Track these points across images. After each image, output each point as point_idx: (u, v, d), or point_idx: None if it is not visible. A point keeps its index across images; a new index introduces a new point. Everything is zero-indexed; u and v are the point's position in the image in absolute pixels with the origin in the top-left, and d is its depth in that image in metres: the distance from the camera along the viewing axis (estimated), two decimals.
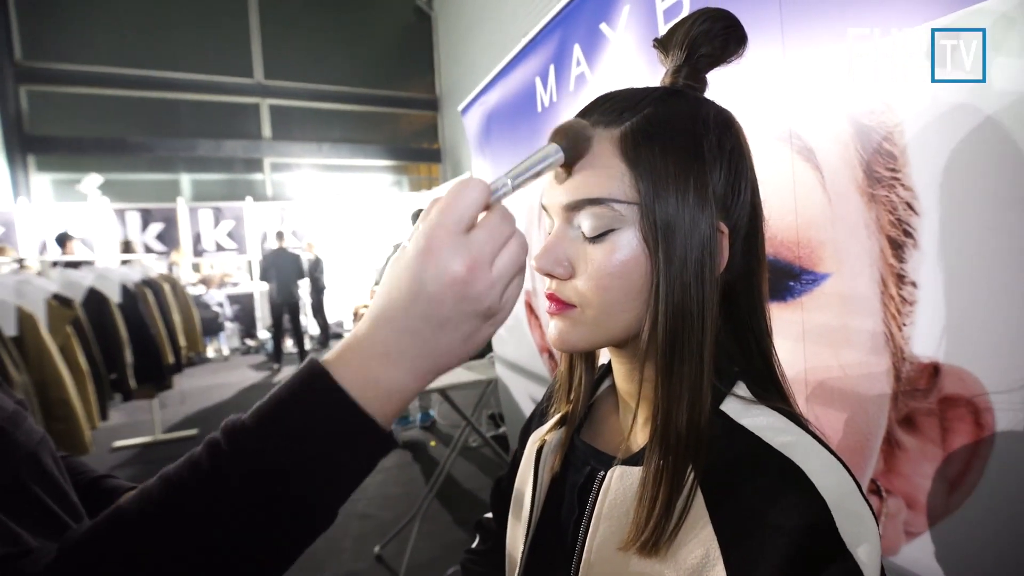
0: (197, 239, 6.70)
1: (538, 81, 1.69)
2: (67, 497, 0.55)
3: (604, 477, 0.43)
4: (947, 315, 0.65)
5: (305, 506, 0.30)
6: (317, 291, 6.57)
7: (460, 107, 2.46)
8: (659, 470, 0.38)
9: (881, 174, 0.70)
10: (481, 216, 0.32)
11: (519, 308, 2.00)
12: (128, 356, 2.85)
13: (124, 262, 3.64)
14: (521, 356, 2.09)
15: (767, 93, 0.85)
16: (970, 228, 0.61)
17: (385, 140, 8.06)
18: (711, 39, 0.42)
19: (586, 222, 0.39)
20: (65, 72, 6.30)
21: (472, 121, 2.37)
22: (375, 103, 7.88)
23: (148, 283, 3.33)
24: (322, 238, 7.05)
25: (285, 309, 5.71)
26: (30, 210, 5.84)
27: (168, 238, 6.52)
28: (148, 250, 6.18)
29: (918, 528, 0.70)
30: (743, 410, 0.40)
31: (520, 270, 0.34)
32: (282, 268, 5.60)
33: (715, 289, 0.39)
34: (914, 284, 0.68)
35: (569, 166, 0.40)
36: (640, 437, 0.44)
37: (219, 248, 6.82)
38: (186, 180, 7.27)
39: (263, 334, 6.82)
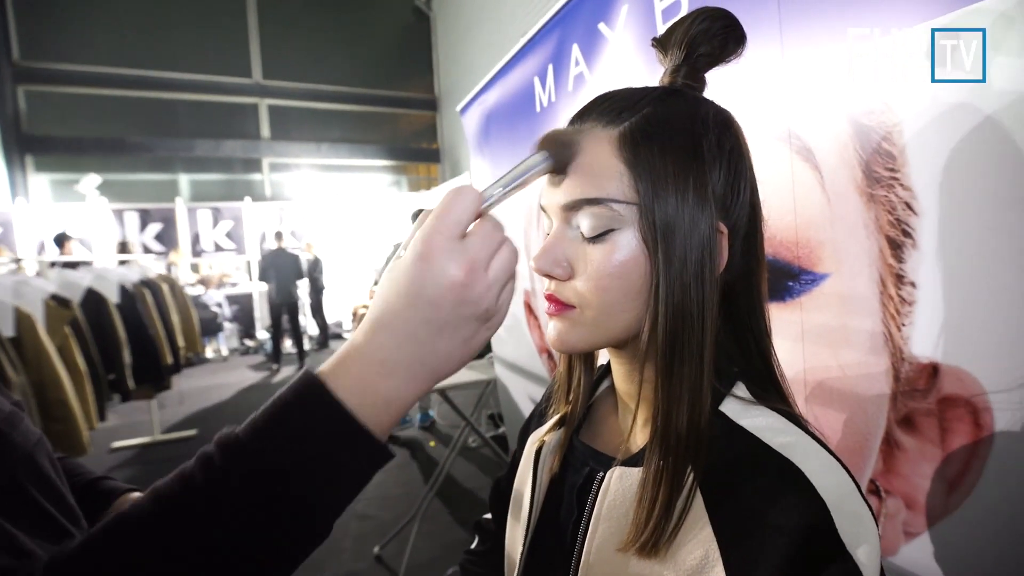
0: (196, 239, 6.69)
1: (537, 81, 1.69)
2: (64, 499, 0.55)
3: (603, 478, 0.43)
4: (946, 315, 0.65)
5: (300, 520, 0.30)
6: (316, 291, 6.57)
7: (459, 107, 2.46)
8: (659, 471, 0.37)
9: (880, 174, 0.70)
10: (473, 224, 0.33)
11: (518, 308, 2.00)
12: (126, 356, 2.85)
13: (121, 263, 3.63)
14: (520, 356, 2.09)
15: (766, 93, 0.84)
16: (969, 228, 0.61)
17: (384, 140, 8.06)
18: (710, 38, 0.42)
19: (585, 222, 0.39)
20: (63, 72, 6.29)
21: (471, 121, 2.37)
22: (374, 103, 7.87)
23: (146, 283, 3.33)
24: (321, 238, 7.04)
25: (284, 309, 5.71)
26: (28, 210, 5.83)
27: (167, 238, 6.51)
28: (146, 250, 6.17)
29: (917, 528, 0.70)
30: (742, 411, 0.40)
31: (513, 275, 0.34)
32: (281, 268, 5.60)
33: (715, 289, 0.39)
34: (913, 284, 0.68)
35: (558, 172, 0.40)
36: (639, 438, 0.44)
37: (218, 248, 6.81)
38: (184, 180, 7.26)
39: (262, 334, 6.81)
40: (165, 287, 3.58)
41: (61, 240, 4.68)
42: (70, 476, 0.61)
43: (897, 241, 0.69)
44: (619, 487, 0.41)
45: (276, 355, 5.77)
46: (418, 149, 8.27)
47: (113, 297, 2.88)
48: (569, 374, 0.51)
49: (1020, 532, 0.59)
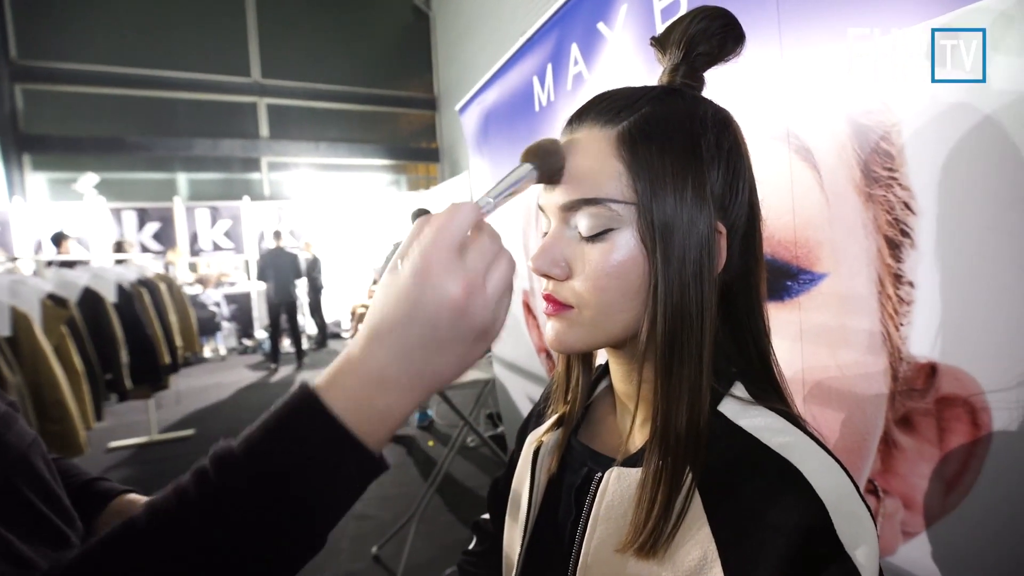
0: (194, 238, 6.67)
1: (536, 80, 1.69)
2: (59, 500, 0.54)
3: (601, 479, 0.43)
4: (944, 315, 0.65)
5: (295, 533, 0.30)
6: (315, 291, 6.56)
7: (458, 106, 2.46)
8: (658, 471, 0.37)
9: (879, 173, 0.70)
10: (470, 233, 0.33)
11: (517, 308, 2.00)
12: (124, 356, 2.84)
13: (117, 262, 3.62)
14: (519, 356, 2.08)
15: (765, 92, 0.84)
16: (968, 228, 0.61)
17: (383, 139, 8.05)
18: (708, 37, 0.42)
19: (583, 222, 0.39)
20: (61, 71, 6.27)
21: (470, 120, 2.37)
22: (373, 102, 7.86)
23: (144, 283, 3.32)
24: (320, 238, 7.03)
25: (282, 309, 5.70)
26: (25, 209, 5.81)
27: (165, 237, 6.49)
28: (144, 249, 6.16)
29: (915, 528, 0.70)
30: (741, 411, 0.40)
31: (510, 288, 0.34)
32: (279, 268, 5.59)
33: (713, 289, 0.39)
34: (911, 284, 0.68)
35: (546, 182, 0.40)
36: (638, 438, 0.44)
37: (216, 248, 6.80)
38: (183, 179, 7.24)
39: (260, 334, 6.80)
40: (163, 286, 3.57)
41: (58, 239, 4.67)
42: (65, 477, 0.61)
43: (895, 241, 0.69)
44: (617, 488, 0.41)
45: (274, 355, 5.76)
46: (417, 148, 8.27)
47: (110, 296, 2.87)
48: (567, 374, 0.51)
49: (1019, 531, 0.59)
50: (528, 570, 0.48)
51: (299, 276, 5.82)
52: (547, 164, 0.39)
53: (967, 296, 0.62)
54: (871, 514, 0.35)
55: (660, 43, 0.45)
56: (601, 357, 0.51)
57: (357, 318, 6.69)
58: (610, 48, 1.29)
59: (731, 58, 0.43)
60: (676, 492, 0.37)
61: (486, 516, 0.65)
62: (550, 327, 0.42)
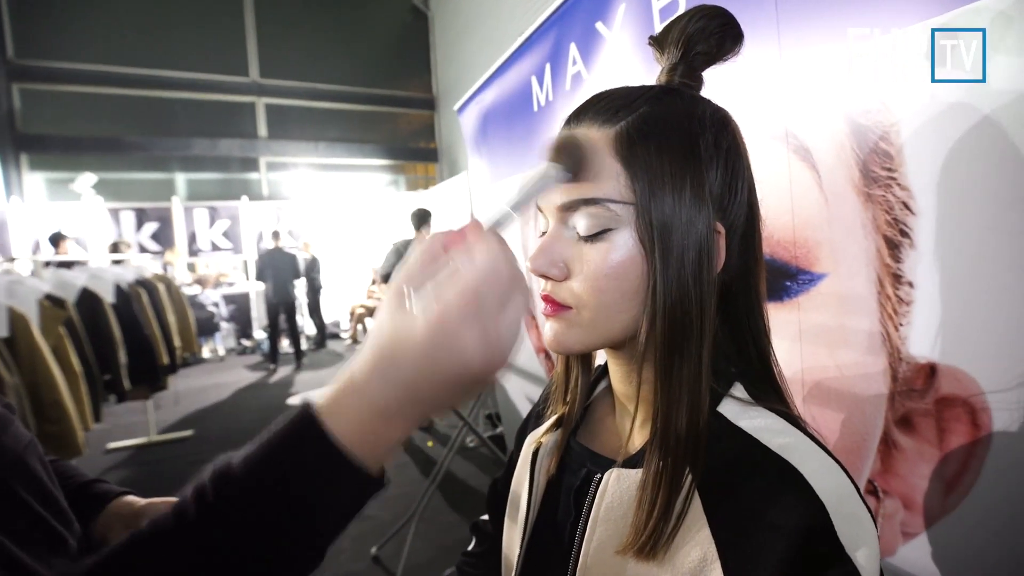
0: (192, 239, 6.66)
1: (534, 80, 1.69)
2: (56, 502, 0.54)
3: (601, 480, 0.43)
4: (943, 315, 0.65)
5: (293, 553, 0.30)
6: (313, 291, 6.55)
7: (456, 106, 2.46)
8: (658, 473, 0.37)
9: (877, 173, 0.69)
10: (487, 258, 0.31)
11: None
12: (122, 357, 2.83)
13: (114, 262, 3.61)
14: (518, 357, 2.08)
15: (763, 92, 0.84)
16: (967, 228, 0.61)
17: (382, 139, 8.04)
18: (707, 37, 0.42)
19: (581, 222, 0.39)
20: (58, 70, 6.25)
21: (468, 120, 2.36)
22: (371, 102, 7.85)
23: (142, 283, 3.31)
24: (318, 238, 7.03)
25: (281, 309, 5.69)
26: (23, 209, 5.80)
27: (163, 238, 6.48)
28: (143, 250, 6.15)
29: (915, 529, 0.70)
30: (740, 412, 0.40)
31: (522, 321, 0.33)
32: (278, 268, 5.58)
33: (712, 289, 0.38)
34: (911, 284, 0.68)
35: (572, 180, 0.39)
36: (637, 439, 0.44)
37: (214, 248, 6.79)
38: (181, 179, 7.22)
39: (259, 334, 6.79)
40: (161, 287, 3.56)
41: (56, 239, 4.66)
42: (62, 479, 0.60)
43: (894, 241, 0.69)
44: (617, 489, 0.41)
45: (273, 355, 5.75)
46: (416, 148, 8.26)
47: (109, 297, 2.86)
48: (566, 375, 0.51)
49: (1019, 532, 0.59)
50: (527, 571, 0.48)
51: (298, 276, 5.82)
52: (573, 161, 0.38)
53: (967, 296, 0.62)
54: (872, 515, 0.35)
55: (658, 42, 0.45)
56: (600, 358, 0.51)
57: (356, 318, 6.70)
58: (609, 48, 1.29)
59: (729, 57, 0.43)
60: (676, 493, 0.37)
61: (485, 517, 0.64)
62: (548, 328, 0.42)
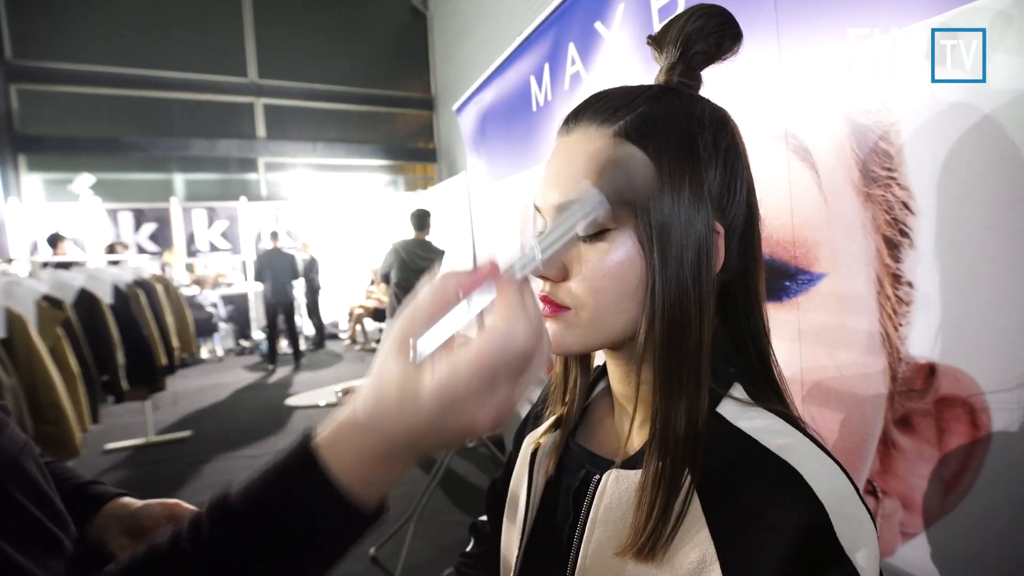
0: (191, 239, 6.65)
1: (533, 80, 1.69)
2: (52, 504, 0.54)
3: (600, 481, 0.42)
4: (943, 315, 0.64)
5: None
6: (312, 291, 6.54)
7: (455, 106, 2.45)
8: (658, 474, 0.37)
9: (877, 173, 0.69)
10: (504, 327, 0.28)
11: None
12: (120, 357, 2.83)
13: (111, 263, 3.60)
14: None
15: (763, 92, 0.84)
16: (967, 227, 0.61)
17: (380, 140, 8.03)
18: (705, 36, 0.42)
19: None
20: (56, 71, 6.24)
21: (467, 120, 2.36)
22: (370, 102, 7.84)
23: (140, 284, 3.30)
24: (317, 238, 7.02)
25: (280, 310, 5.69)
26: (21, 210, 5.78)
27: (161, 238, 6.47)
28: (141, 250, 6.14)
29: (914, 529, 0.70)
30: (740, 412, 0.40)
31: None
32: (277, 268, 5.57)
33: (711, 290, 0.38)
34: (910, 284, 0.67)
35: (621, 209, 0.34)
36: (636, 440, 0.43)
37: (213, 248, 6.78)
38: (179, 180, 7.21)
39: (258, 335, 6.79)
40: (159, 287, 3.56)
41: (54, 240, 4.65)
42: (58, 481, 0.60)
43: (894, 241, 0.69)
44: (615, 490, 0.41)
45: (272, 355, 5.74)
46: (415, 149, 8.25)
47: (107, 298, 2.86)
48: (565, 375, 0.51)
49: (1018, 532, 0.59)
50: (526, 573, 0.47)
51: (296, 277, 5.81)
52: (630, 190, 0.31)
53: (966, 296, 0.62)
54: (871, 517, 0.35)
55: (657, 42, 0.44)
56: (599, 358, 0.51)
57: (355, 319, 6.70)
58: (608, 47, 1.29)
59: (728, 57, 0.43)
60: (675, 494, 0.37)
61: (484, 518, 0.64)
62: (547, 329, 0.42)
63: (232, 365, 6.01)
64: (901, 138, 0.66)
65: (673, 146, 0.38)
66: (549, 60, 1.57)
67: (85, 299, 2.70)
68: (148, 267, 4.26)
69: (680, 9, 1.01)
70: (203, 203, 6.76)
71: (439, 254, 3.54)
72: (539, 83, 1.65)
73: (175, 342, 3.54)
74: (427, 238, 3.53)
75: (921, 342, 0.67)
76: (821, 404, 0.81)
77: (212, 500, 0.30)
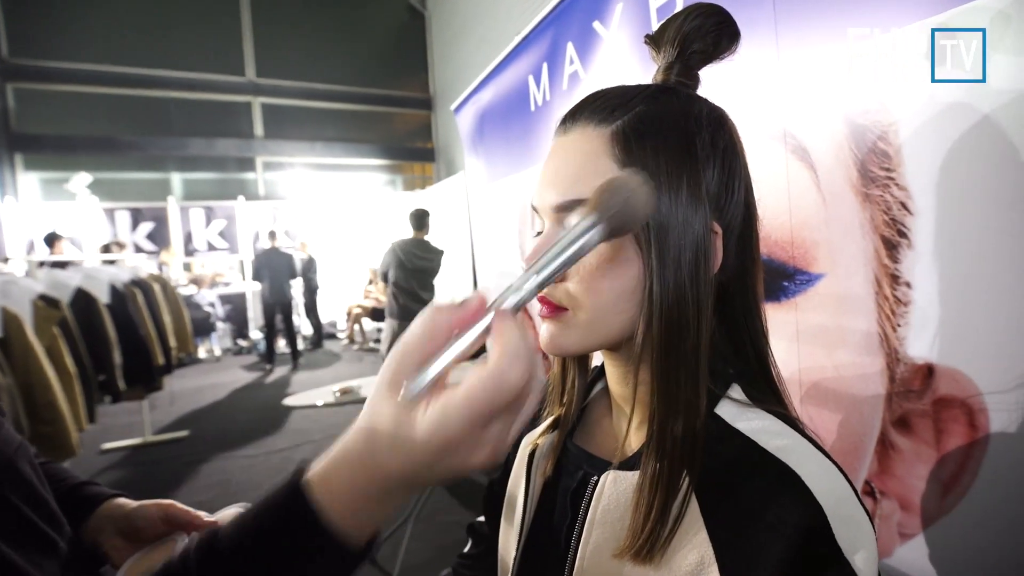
0: (188, 239, 6.64)
1: (531, 80, 1.69)
2: (46, 505, 0.53)
3: (597, 482, 0.42)
4: (941, 316, 0.64)
5: None
6: (310, 291, 6.54)
7: (453, 106, 2.45)
8: (655, 475, 0.37)
9: (876, 173, 0.69)
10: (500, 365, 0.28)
11: None
12: (117, 357, 2.82)
13: (105, 263, 3.59)
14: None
15: (761, 92, 0.84)
16: (966, 228, 0.61)
17: (378, 139, 8.02)
18: (703, 35, 0.42)
19: None
20: (53, 69, 6.22)
21: (465, 120, 2.36)
22: (368, 102, 7.83)
23: (137, 283, 3.29)
24: (315, 238, 7.01)
25: (278, 309, 5.68)
26: (17, 209, 5.76)
27: (159, 237, 6.46)
28: (138, 250, 6.12)
29: (912, 530, 0.70)
30: (738, 413, 0.39)
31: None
32: (275, 268, 5.57)
33: (709, 290, 0.38)
34: (908, 284, 0.67)
35: (618, 235, 0.32)
36: (634, 441, 0.43)
37: (210, 248, 6.77)
38: (177, 179, 7.20)
39: (255, 334, 6.78)
40: (157, 287, 3.55)
41: (51, 240, 4.64)
42: (53, 481, 0.60)
43: (892, 241, 0.69)
44: (613, 491, 0.41)
45: (270, 355, 5.74)
46: (413, 148, 8.24)
47: (103, 297, 2.85)
48: (563, 376, 0.50)
49: (1017, 533, 0.59)
50: (524, 574, 0.47)
51: (294, 276, 5.80)
52: (623, 218, 0.30)
53: (965, 297, 0.62)
54: (870, 518, 0.35)
55: (654, 41, 0.44)
56: (597, 359, 0.51)
57: (353, 318, 6.69)
58: (606, 47, 1.28)
59: (726, 56, 0.43)
60: (673, 496, 0.36)
61: (481, 519, 0.64)
62: (545, 329, 0.42)
63: (229, 365, 6.00)
64: (900, 138, 0.66)
65: (670, 146, 0.38)
66: (547, 60, 1.57)
67: (82, 298, 2.69)
68: (145, 266, 4.25)
69: (678, 8, 1.01)
70: (201, 202, 6.75)
71: (437, 254, 3.54)
72: (537, 83, 1.65)
73: (172, 342, 3.53)
74: (425, 238, 3.53)
75: (919, 343, 0.67)
76: (819, 405, 0.81)
77: (201, 539, 0.30)
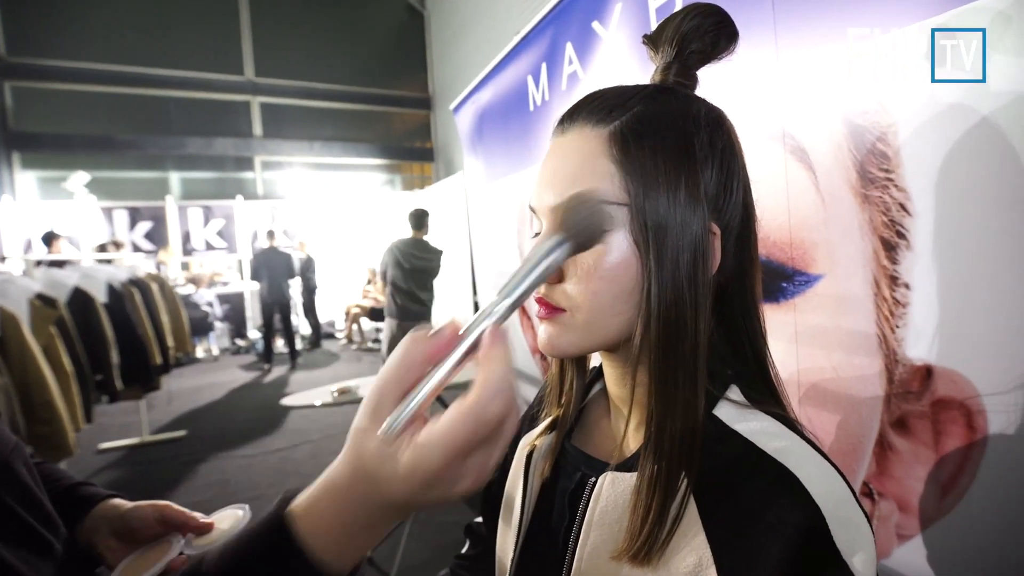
0: (186, 238, 6.63)
1: (530, 80, 1.68)
2: (42, 506, 0.53)
3: (595, 483, 0.42)
4: (940, 317, 0.64)
5: None
6: (308, 291, 6.53)
7: (452, 106, 2.45)
8: (653, 477, 0.37)
9: (875, 175, 0.69)
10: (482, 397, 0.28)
11: None
12: (114, 356, 2.81)
13: (100, 261, 3.58)
14: (513, 357, 2.08)
15: (760, 92, 0.84)
16: (965, 229, 0.61)
17: (377, 139, 8.02)
18: (701, 35, 0.41)
19: None
20: (51, 68, 6.20)
21: (464, 120, 2.36)
22: (367, 101, 7.83)
23: (135, 282, 3.29)
24: (314, 237, 7.00)
25: (276, 309, 5.67)
26: (15, 208, 5.75)
27: (157, 237, 6.44)
28: (136, 249, 6.11)
29: (910, 531, 0.70)
30: (736, 415, 0.39)
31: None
32: (273, 267, 5.56)
33: (708, 291, 0.38)
34: (907, 286, 0.67)
35: (583, 249, 0.36)
36: (632, 442, 0.43)
37: (209, 247, 6.76)
38: (175, 178, 7.18)
39: (253, 334, 6.77)
40: (154, 286, 3.54)
41: (49, 239, 4.62)
42: (48, 482, 0.59)
43: (891, 242, 0.68)
44: (611, 493, 0.41)
45: (268, 355, 5.73)
46: (412, 148, 8.24)
47: (101, 296, 2.84)
48: (561, 377, 0.50)
49: (1015, 535, 0.59)
50: (521, 575, 0.47)
51: (293, 276, 5.79)
52: (586, 235, 0.33)
53: (964, 298, 0.62)
54: (868, 520, 0.35)
55: (652, 41, 0.44)
56: (596, 360, 0.50)
57: (351, 318, 6.68)
58: (605, 47, 1.28)
59: (724, 56, 0.43)
60: (671, 498, 0.36)
61: (479, 520, 0.64)
62: (543, 331, 0.41)
63: (228, 364, 5.99)
64: (899, 139, 0.66)
65: (668, 146, 0.38)
66: (546, 60, 1.57)
67: (79, 298, 2.68)
68: (143, 266, 4.24)
69: (677, 9, 1.01)
70: (199, 202, 6.74)
71: (436, 254, 3.54)
72: (536, 83, 1.65)
73: (170, 341, 3.53)
74: (424, 238, 3.53)
75: (918, 344, 0.67)
76: (818, 406, 0.80)
77: (185, 569, 0.30)
